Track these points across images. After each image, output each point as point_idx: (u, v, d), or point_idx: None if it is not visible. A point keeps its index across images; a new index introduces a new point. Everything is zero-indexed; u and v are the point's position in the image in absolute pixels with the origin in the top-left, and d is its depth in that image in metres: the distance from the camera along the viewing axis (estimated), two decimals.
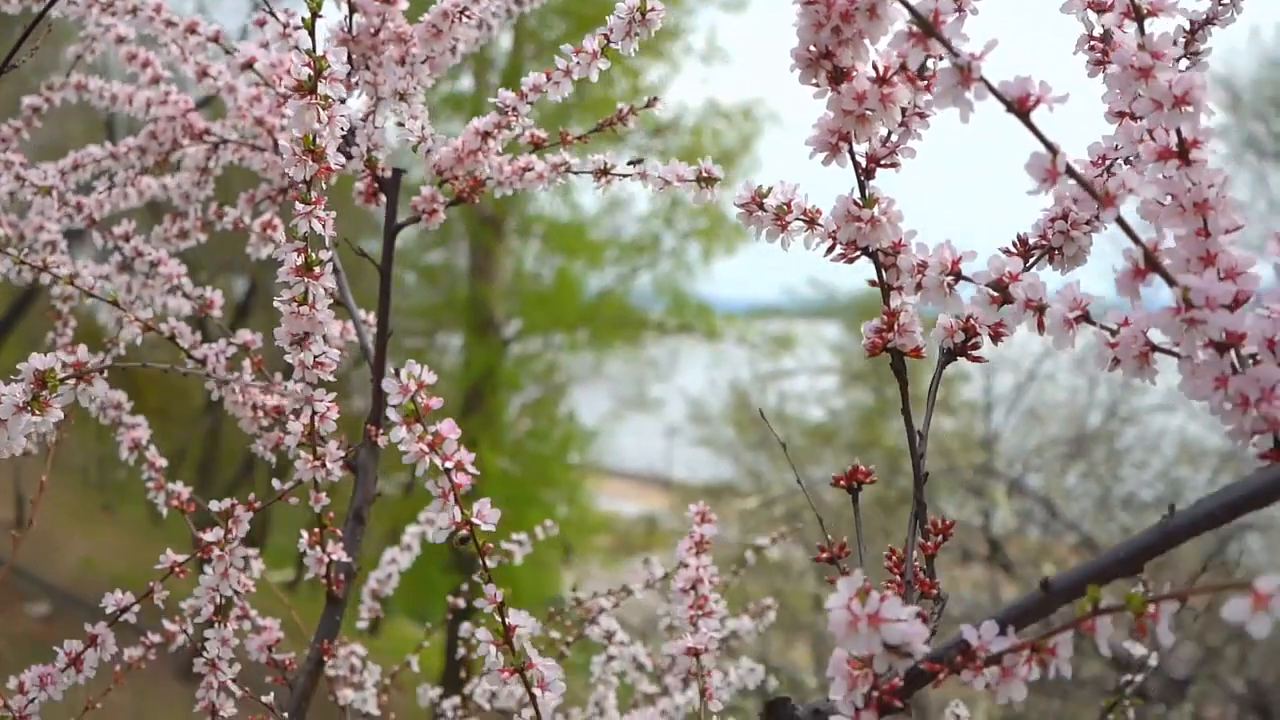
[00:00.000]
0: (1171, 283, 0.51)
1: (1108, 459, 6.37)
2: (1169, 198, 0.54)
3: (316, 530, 0.97)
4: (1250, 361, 0.52)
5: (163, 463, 1.11)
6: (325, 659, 0.99)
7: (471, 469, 0.63)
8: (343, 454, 0.91)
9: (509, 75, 10.32)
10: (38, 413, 0.68)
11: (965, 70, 0.50)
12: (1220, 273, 0.53)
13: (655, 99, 1.01)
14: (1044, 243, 0.68)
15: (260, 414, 1.02)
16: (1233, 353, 0.52)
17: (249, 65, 1.07)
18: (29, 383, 0.67)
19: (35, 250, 1.17)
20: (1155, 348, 0.55)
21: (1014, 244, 0.69)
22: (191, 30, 1.10)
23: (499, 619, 0.65)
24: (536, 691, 0.65)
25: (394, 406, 0.61)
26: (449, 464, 0.62)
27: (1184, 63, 0.71)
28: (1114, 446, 6.38)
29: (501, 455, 10.61)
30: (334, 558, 0.97)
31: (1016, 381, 7.20)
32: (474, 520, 0.63)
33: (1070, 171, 0.51)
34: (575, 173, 0.97)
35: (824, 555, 0.69)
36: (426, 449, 0.62)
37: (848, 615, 0.50)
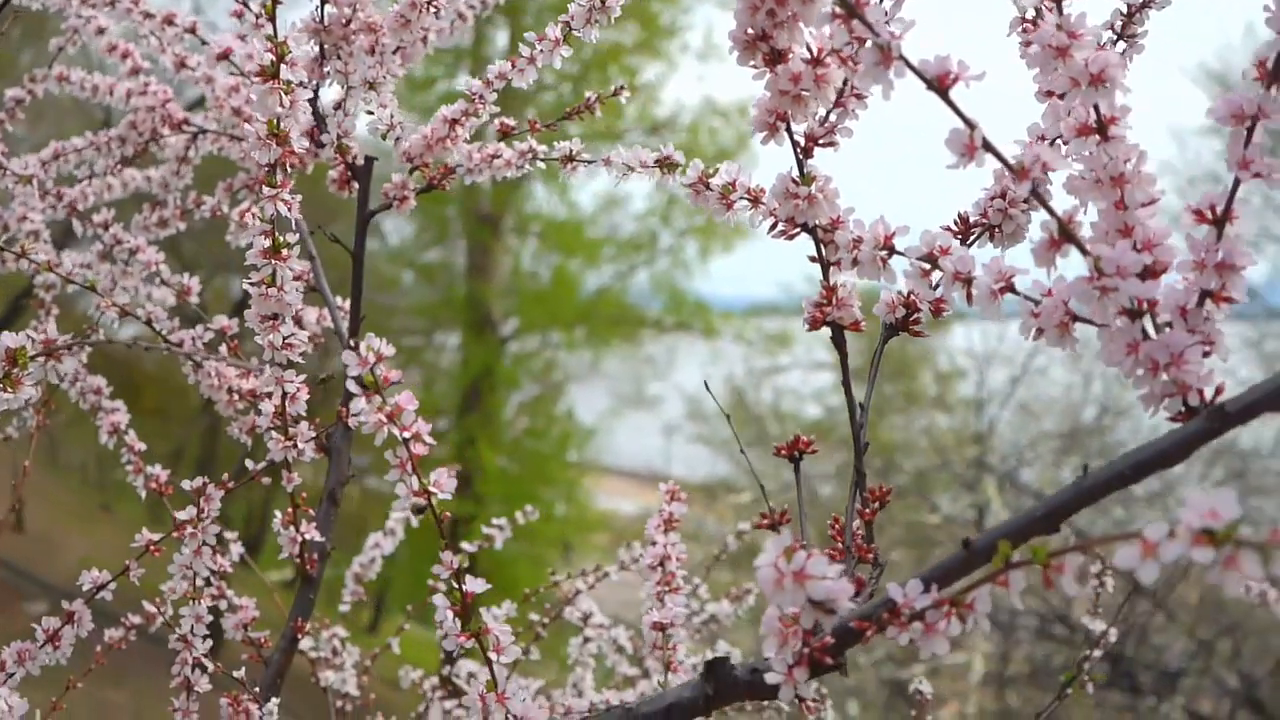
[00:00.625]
0: (1085, 252, 0.53)
1: (1100, 453, 6.39)
2: (1090, 173, 0.57)
3: (290, 510, 0.99)
4: (1166, 329, 0.55)
5: (141, 446, 1.13)
6: (299, 636, 1.01)
7: (429, 439, 0.65)
8: (314, 435, 0.94)
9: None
10: (9, 389, 0.70)
11: (885, 50, 0.52)
12: (1137, 244, 0.56)
13: (623, 87, 1.03)
14: (984, 221, 0.70)
15: (235, 397, 1.05)
16: (1148, 319, 0.55)
17: (225, 56, 1.09)
18: (1, 360, 0.69)
19: (17, 239, 1.19)
20: (1076, 317, 0.57)
21: (954, 222, 0.71)
22: (169, 22, 1.12)
23: (456, 586, 0.67)
24: (492, 655, 0.67)
25: (353, 378, 0.63)
26: (407, 434, 0.64)
27: (1121, 45, 0.73)
28: (1105, 440, 6.40)
29: (500, 454, 10.63)
30: (307, 537, 0.99)
31: (1011, 375, 7.22)
32: (431, 489, 0.65)
33: (987, 146, 0.53)
34: (542, 159, 1.00)
35: (765, 523, 0.71)
36: (385, 419, 0.64)
37: (774, 572, 0.52)
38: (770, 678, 0.57)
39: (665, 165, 0.86)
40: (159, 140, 1.23)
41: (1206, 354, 0.54)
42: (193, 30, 1.13)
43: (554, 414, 11.69)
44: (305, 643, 1.35)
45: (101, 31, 1.23)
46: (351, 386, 0.64)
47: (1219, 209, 0.54)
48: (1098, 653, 1.12)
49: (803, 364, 9.70)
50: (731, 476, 10.06)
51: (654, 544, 0.98)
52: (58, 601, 0.99)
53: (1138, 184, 0.56)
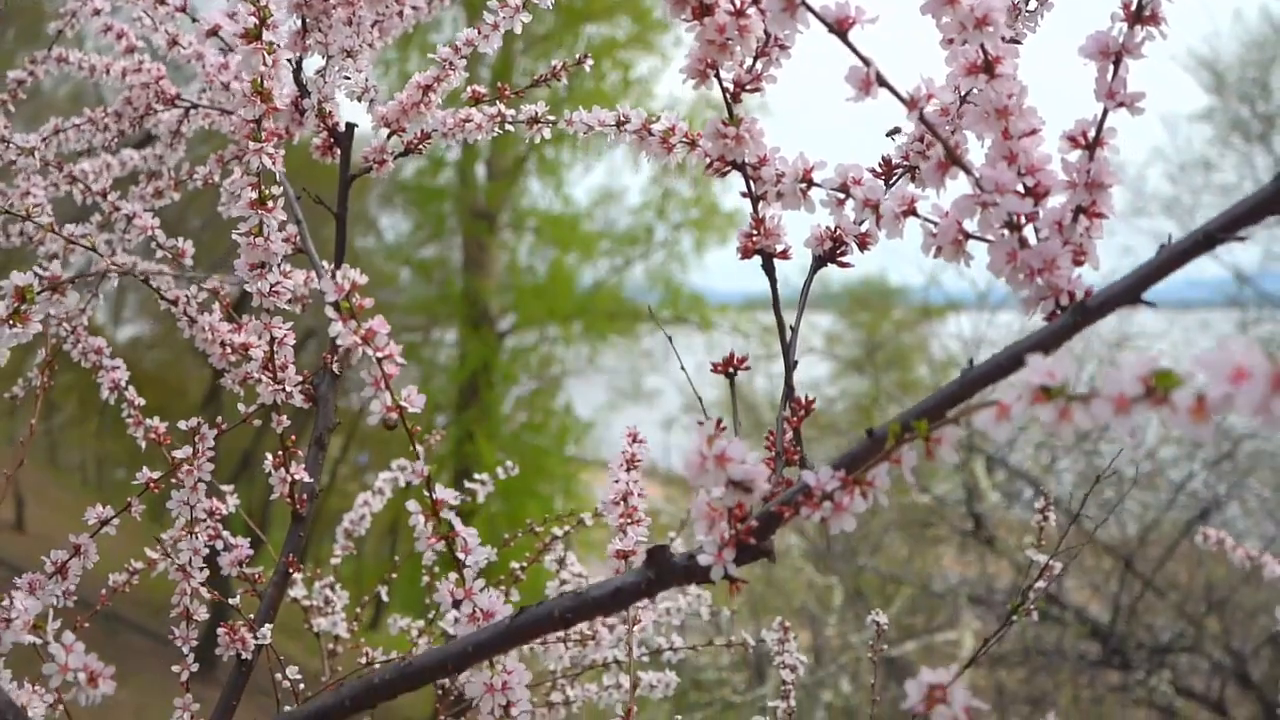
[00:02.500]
0: (969, 173, 0.61)
1: (1087, 435, 6.46)
2: (979, 107, 0.64)
3: (280, 453, 1.06)
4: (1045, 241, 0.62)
5: (141, 401, 1.20)
6: (291, 571, 1.08)
7: (400, 359, 0.73)
8: (301, 379, 1.01)
9: (500, 68, 10.41)
10: (18, 323, 0.77)
11: None
12: (1021, 169, 0.63)
13: (586, 56, 1.10)
14: (905, 162, 0.78)
15: (228, 350, 1.12)
16: (1031, 232, 0.62)
17: (214, 32, 1.16)
18: (9, 297, 0.76)
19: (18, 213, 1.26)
20: (968, 235, 0.64)
21: (879, 163, 0.78)
22: (160, 2, 1.19)
23: (427, 493, 0.74)
24: (460, 555, 0.74)
25: (331, 304, 0.70)
26: (380, 354, 0.72)
27: (1033, 2, 0.80)
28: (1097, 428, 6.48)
29: (498, 448, 10.70)
30: (297, 478, 1.07)
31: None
32: (403, 404, 0.73)
33: (882, 81, 0.60)
34: (510, 123, 1.07)
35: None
36: (360, 341, 0.71)
37: (698, 457, 0.59)
38: (702, 559, 0.64)
39: (621, 124, 0.93)
40: (153, 115, 1.30)
41: (1079, 263, 0.61)
42: (183, 9, 1.20)
43: (552, 408, 11.76)
44: (298, 591, 1.42)
45: (97, 13, 1.30)
46: (329, 312, 0.71)
47: (1090, 135, 0.62)
48: (1041, 583, 1.19)
49: (798, 352, 9.76)
50: None
51: (616, 481, 1.05)
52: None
53: (1020, 116, 0.63)
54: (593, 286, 12.16)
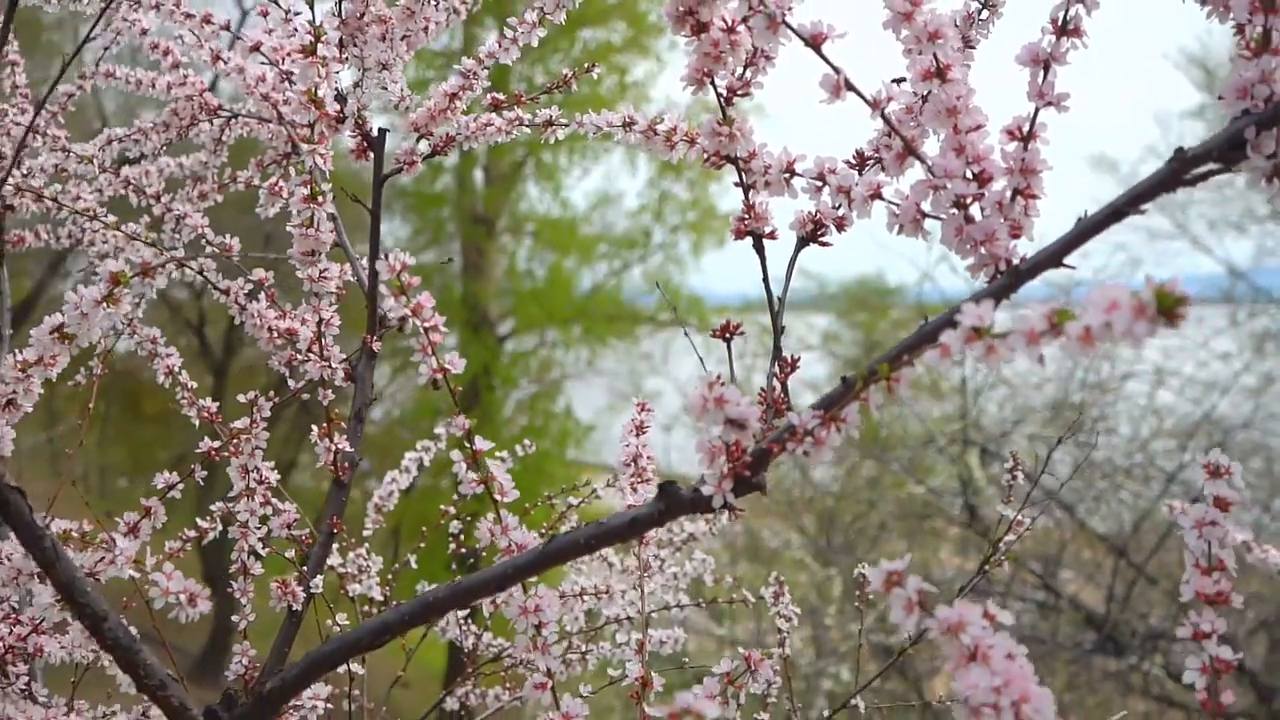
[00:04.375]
0: (923, 161, 0.73)
1: (1081, 427, 6.59)
2: (932, 106, 0.76)
3: (325, 425, 1.18)
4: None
5: (193, 385, 1.32)
6: (335, 532, 1.20)
7: (443, 329, 0.85)
8: (345, 357, 1.13)
9: (497, 71, 10.56)
10: (111, 305, 0.89)
11: (772, 18, 0.71)
12: (968, 159, 0.75)
13: (593, 65, 1.22)
14: (875, 155, 0.90)
15: (274, 335, 1.24)
16: (976, 210, 0.74)
17: (256, 48, 1.28)
18: (105, 281, 0.88)
19: (77, 214, 1.38)
20: (924, 214, 0.76)
21: (854, 155, 0.90)
22: (206, 21, 1.32)
23: (468, 444, 0.86)
24: (497, 497, 0.86)
25: (384, 282, 0.82)
26: (427, 325, 0.84)
27: (985, 12, 0.92)
28: (1083, 416, 6.61)
29: (499, 451, 10.80)
30: (340, 448, 1.19)
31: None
32: (447, 366, 0.85)
33: (849, 86, 0.73)
34: (527, 125, 1.19)
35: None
36: (411, 313, 0.83)
37: (701, 399, 0.71)
38: (705, 490, 0.76)
39: (627, 126, 1.05)
40: (197, 124, 1.42)
41: (1016, 235, 0.73)
42: (226, 27, 1.33)
43: (552, 412, 11.86)
44: (334, 559, 1.54)
45: (145, 32, 1.42)
46: (383, 289, 0.83)
47: (1024, 129, 0.74)
48: (1011, 536, 1.31)
49: (793, 348, 9.88)
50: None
51: (627, 445, 1.18)
52: None
53: (967, 114, 0.75)
54: (591, 290, 12.28)
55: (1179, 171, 0.66)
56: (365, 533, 1.61)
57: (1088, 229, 0.68)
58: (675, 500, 0.79)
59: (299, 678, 0.80)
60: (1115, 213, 0.67)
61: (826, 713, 1.69)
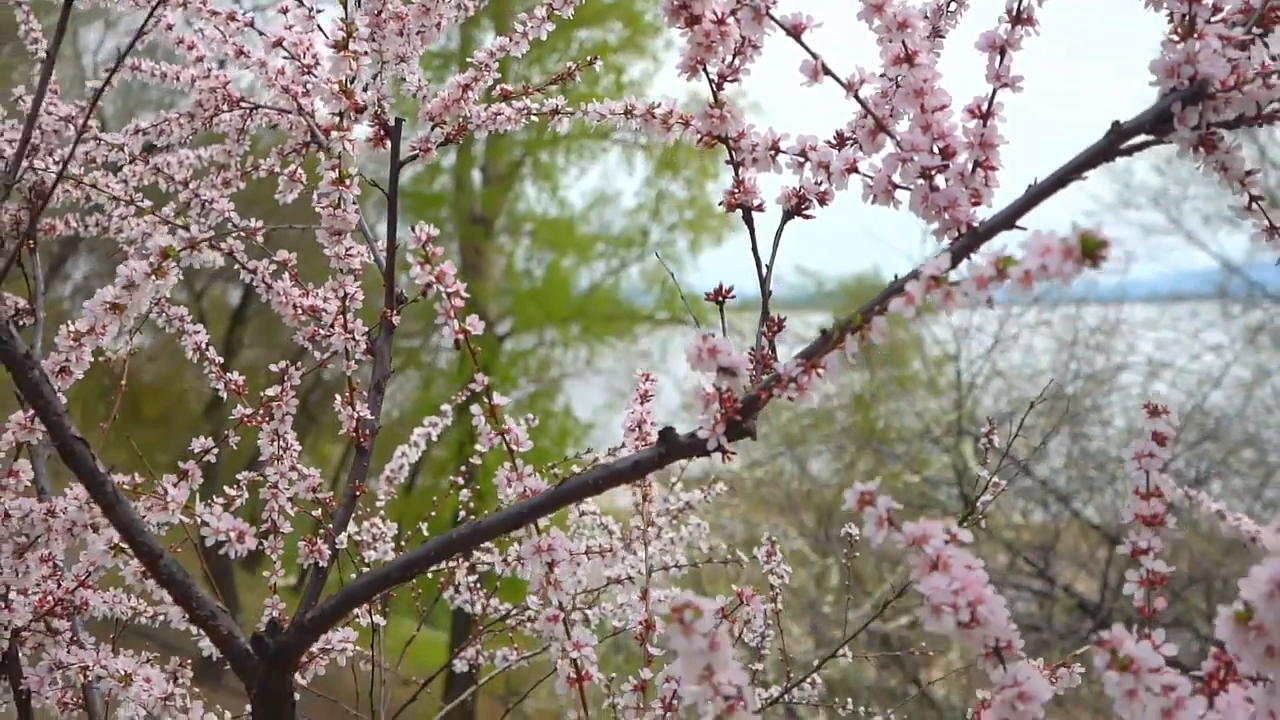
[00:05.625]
0: (892, 137, 0.82)
1: (1074, 418, 6.70)
2: (902, 88, 0.85)
3: (348, 394, 1.27)
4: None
5: (220, 359, 1.41)
6: (357, 494, 1.29)
7: (464, 294, 0.93)
8: (367, 329, 1.22)
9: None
10: (159, 278, 0.98)
11: (757, 9, 0.80)
12: (934, 135, 0.84)
13: (595, 58, 1.31)
14: (853, 135, 0.98)
15: (298, 311, 1.33)
16: (940, 180, 0.83)
17: (279, 44, 1.37)
18: (155, 255, 0.97)
19: (114, 200, 1.47)
20: (895, 184, 0.85)
21: (835, 135, 0.99)
22: (231, 18, 1.40)
23: (487, 400, 0.95)
24: (513, 447, 0.95)
25: (411, 251, 0.91)
26: (449, 290, 0.93)
27: (954, 4, 1.01)
28: (1073, 408, 6.71)
29: (499, 451, 10.89)
30: (361, 415, 1.27)
31: (986, 346, 7.52)
32: (468, 328, 0.93)
33: (826, 71, 0.81)
34: (534, 114, 1.28)
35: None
36: (434, 280, 0.92)
37: (697, 351, 0.80)
38: (700, 434, 0.85)
39: (628, 113, 1.13)
40: (219, 115, 1.51)
41: (976, 203, 0.82)
42: (250, 24, 1.41)
43: (551, 410, 11.94)
44: (350, 527, 1.63)
45: (170, 28, 1.51)
46: (410, 258, 0.92)
47: (984, 108, 0.83)
48: (988, 496, 1.39)
49: (787, 342, 9.99)
50: (734, 474, 10.35)
51: (632, 412, 1.26)
52: None
53: (933, 95, 0.84)
54: (589, 289, 12.36)
55: (1115, 142, 0.75)
56: (379, 502, 1.70)
57: (1036, 195, 0.77)
58: (674, 444, 0.87)
59: (335, 609, 0.89)
60: (1060, 180, 0.76)
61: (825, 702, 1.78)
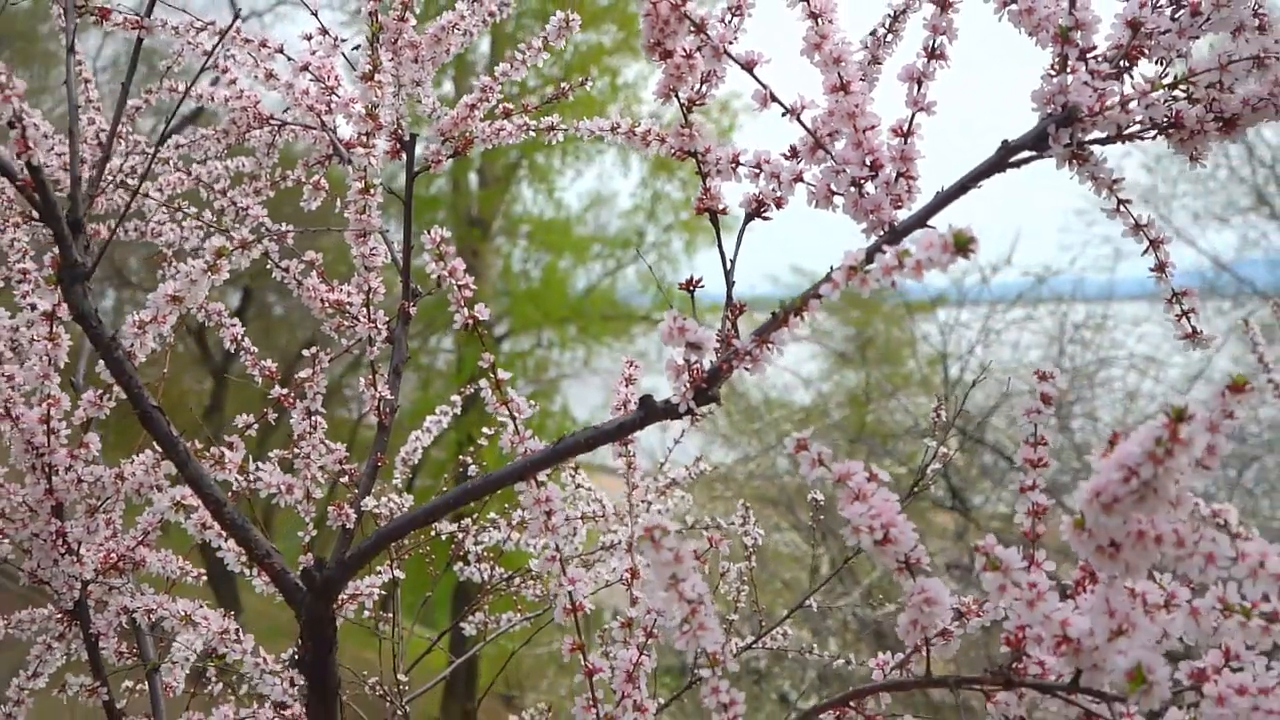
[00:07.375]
0: (828, 153, 0.99)
1: (1063, 414, 6.87)
2: (836, 114, 1.02)
3: (370, 376, 1.44)
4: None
5: (254, 349, 1.58)
6: (379, 465, 1.47)
7: (472, 286, 1.11)
8: (388, 319, 1.39)
9: (487, 72, 10.80)
10: (214, 274, 1.15)
11: (715, 48, 0.98)
12: (865, 151, 1.01)
13: (587, 78, 1.49)
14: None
15: (325, 305, 1.50)
16: (870, 187, 1.00)
17: (305, 68, 1.54)
18: (210, 254, 1.14)
19: (163, 206, 1.64)
20: (833, 192, 1.02)
21: (789, 148, 1.17)
22: (263, 45, 1.58)
23: (493, 375, 1.13)
24: (515, 414, 1.12)
25: (427, 250, 1.09)
26: (460, 282, 1.10)
27: (890, 36, 1.19)
28: (1064, 402, 6.89)
29: (497, 452, 11.05)
30: (383, 395, 1.45)
31: (972, 341, 7.70)
32: (476, 315, 1.11)
33: (774, 98, 0.99)
34: (534, 130, 1.45)
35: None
36: (447, 274, 1.10)
37: (669, 328, 0.98)
38: (673, 399, 1.03)
39: (614, 130, 1.31)
40: (251, 131, 1.69)
41: (898, 206, 1.00)
42: (280, 50, 1.59)
43: (549, 411, 12.09)
44: (368, 501, 1.80)
45: (207, 54, 1.68)
46: (427, 256, 1.09)
47: (905, 128, 1.00)
48: (936, 465, 1.57)
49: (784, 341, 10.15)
50: (729, 468, 10.51)
51: (618, 393, 1.44)
52: None
53: (863, 117, 1.01)
54: (586, 290, 12.53)
55: (1005, 157, 0.93)
56: (394, 481, 1.87)
57: (941, 200, 0.94)
58: (653, 409, 1.05)
59: (372, 547, 1.06)
60: (961, 187, 0.94)
61: (817, 693, 1.93)
